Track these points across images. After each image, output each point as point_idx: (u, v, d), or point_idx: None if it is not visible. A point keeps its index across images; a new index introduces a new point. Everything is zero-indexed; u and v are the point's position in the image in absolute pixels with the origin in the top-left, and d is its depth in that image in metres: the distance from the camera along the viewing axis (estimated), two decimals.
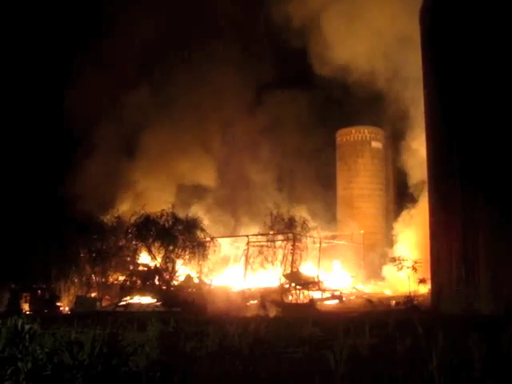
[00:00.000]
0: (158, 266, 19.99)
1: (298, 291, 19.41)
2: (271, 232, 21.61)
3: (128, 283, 19.71)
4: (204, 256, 20.18)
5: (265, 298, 17.52)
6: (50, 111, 28.83)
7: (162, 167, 29.39)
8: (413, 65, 20.21)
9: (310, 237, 21.72)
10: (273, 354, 6.14)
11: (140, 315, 12.72)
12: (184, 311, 15.08)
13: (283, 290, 19.08)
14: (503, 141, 12.88)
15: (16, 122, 28.70)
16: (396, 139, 28.99)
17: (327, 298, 19.73)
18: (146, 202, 21.54)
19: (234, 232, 27.08)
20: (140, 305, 18.34)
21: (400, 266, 17.50)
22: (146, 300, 18.86)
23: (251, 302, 17.66)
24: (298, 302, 18.71)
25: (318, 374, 4.73)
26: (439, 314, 12.93)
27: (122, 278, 20.46)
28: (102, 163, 28.26)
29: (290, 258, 20.43)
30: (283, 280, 19.88)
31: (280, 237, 21.25)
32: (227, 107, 31.25)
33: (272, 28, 30.05)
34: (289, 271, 20.15)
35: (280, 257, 20.68)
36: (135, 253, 20.92)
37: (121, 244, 20.67)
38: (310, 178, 30.90)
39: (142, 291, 19.11)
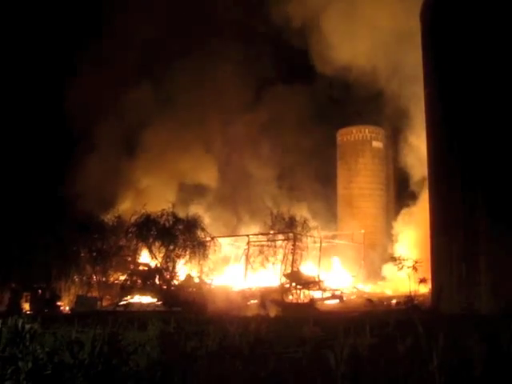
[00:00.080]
0: (158, 265, 19.99)
1: (298, 291, 19.41)
2: (272, 231, 21.62)
3: (128, 283, 19.73)
4: (204, 256, 20.19)
5: (265, 297, 17.53)
6: (51, 110, 28.85)
7: (162, 166, 29.41)
8: (413, 62, 20.23)
9: (311, 236, 21.73)
10: (273, 353, 6.13)
11: (140, 315, 12.73)
12: (184, 311, 15.08)
13: (284, 290, 19.09)
14: (503, 141, 12.88)
15: (16, 121, 28.71)
16: (396, 136, 29.01)
17: (328, 298, 19.73)
18: (146, 201, 21.55)
19: (235, 231, 27.09)
20: (140, 304, 18.36)
21: (400, 265, 17.48)
22: (147, 299, 18.87)
23: (252, 301, 17.67)
24: (299, 301, 18.71)
25: (319, 373, 4.72)
26: (439, 313, 12.92)
27: (122, 278, 20.47)
28: (102, 162, 28.28)
29: (290, 257, 20.43)
30: (284, 280, 19.89)
31: (280, 236, 21.26)
32: (228, 106, 31.29)
33: (272, 28, 30.07)
34: (289, 271, 20.16)
35: (280, 256, 20.69)
36: (136, 252, 20.93)
37: (121, 243, 20.68)
38: (310, 177, 30.96)
39: (143, 291, 19.13)
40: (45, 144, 28.80)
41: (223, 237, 23.87)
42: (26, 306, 17.76)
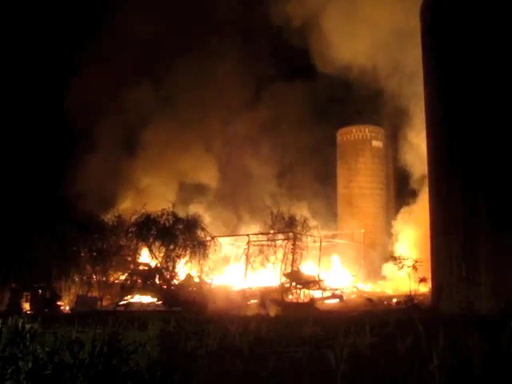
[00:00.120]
0: (158, 265, 19.99)
1: (298, 290, 19.41)
2: (272, 231, 21.62)
3: (129, 282, 19.72)
4: (204, 255, 20.18)
5: (265, 297, 17.53)
6: (51, 110, 28.84)
7: (162, 165, 29.40)
8: (413, 61, 20.25)
9: (311, 236, 21.72)
10: (273, 353, 6.13)
11: (140, 314, 12.73)
12: (184, 310, 15.09)
13: (284, 290, 19.08)
14: (504, 141, 12.88)
15: (17, 120, 28.71)
16: (396, 135, 28.99)
17: (328, 298, 19.73)
18: (146, 200, 21.54)
19: (235, 231, 27.10)
20: (140, 304, 18.36)
21: (401, 265, 17.49)
22: (147, 299, 18.87)
23: (252, 301, 17.67)
24: (299, 301, 18.71)
25: (319, 373, 4.73)
26: (439, 313, 12.94)
27: (122, 278, 20.47)
28: (102, 161, 28.28)
29: (290, 257, 20.43)
30: (284, 279, 19.89)
31: (280, 236, 21.26)
32: (228, 105, 31.31)
33: (272, 27, 30.07)
34: (289, 270, 20.16)
35: (280, 256, 20.69)
36: (136, 252, 20.92)
37: (121, 243, 20.66)
38: (310, 176, 30.97)
39: (143, 290, 19.12)
40: (45, 143, 28.81)
41: (223, 236, 23.87)
42: (26, 306, 17.76)
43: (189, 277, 20.45)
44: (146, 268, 20.58)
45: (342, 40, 27.32)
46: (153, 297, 18.77)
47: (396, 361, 4.90)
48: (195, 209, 23.22)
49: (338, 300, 19.51)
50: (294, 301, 18.64)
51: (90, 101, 28.34)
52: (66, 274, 19.44)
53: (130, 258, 21.01)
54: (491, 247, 12.73)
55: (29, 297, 18.19)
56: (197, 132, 30.13)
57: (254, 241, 22.01)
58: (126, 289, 19.33)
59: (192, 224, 20.33)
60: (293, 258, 20.38)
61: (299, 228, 21.31)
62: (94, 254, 20.06)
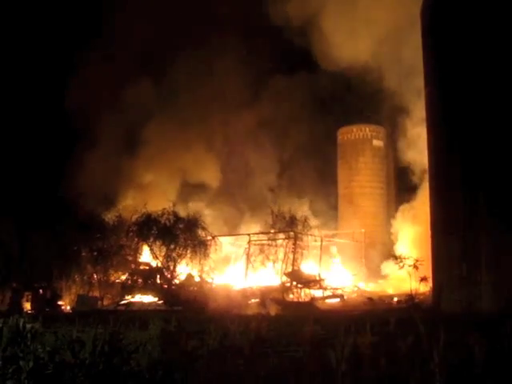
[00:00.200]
0: (159, 264, 20.01)
1: (299, 290, 19.41)
2: (272, 230, 21.61)
3: (129, 282, 19.75)
4: (205, 255, 20.19)
5: (266, 296, 17.54)
6: (52, 108, 28.85)
7: (164, 163, 29.38)
8: (412, 58, 20.25)
9: (311, 235, 21.72)
10: (274, 352, 6.14)
11: (141, 314, 12.74)
12: (185, 310, 15.10)
13: (284, 289, 19.09)
14: (504, 140, 12.87)
15: (17, 119, 28.71)
16: (397, 133, 28.96)
17: (328, 297, 19.73)
18: (148, 199, 21.57)
19: (236, 230, 27.10)
20: (141, 303, 18.37)
21: (401, 264, 17.48)
22: (148, 299, 18.89)
23: (252, 300, 17.67)
24: (299, 300, 18.72)
25: (320, 372, 4.73)
26: (440, 312, 12.93)
27: (123, 277, 20.48)
28: (103, 160, 28.25)
29: (291, 256, 20.43)
30: (284, 278, 19.89)
31: (281, 235, 21.25)
32: (230, 103, 31.27)
33: (272, 27, 30.04)
34: (290, 270, 20.16)
35: (281, 255, 20.68)
36: (136, 251, 20.94)
37: (122, 243, 20.68)
38: (311, 175, 30.93)
39: (144, 290, 19.14)
40: (45, 142, 28.79)
41: (224, 236, 23.88)
42: (27, 306, 17.77)
43: (189, 276, 20.46)
44: (147, 267, 20.61)
45: (342, 39, 27.35)
46: (154, 296, 18.78)
47: (397, 360, 4.90)
48: (196, 207, 23.23)
49: (338, 299, 19.51)
50: (295, 300, 18.64)
51: (91, 99, 28.33)
52: (66, 273, 19.46)
53: (130, 258, 21.03)
54: (491, 247, 12.74)
55: (30, 296, 18.20)
56: (198, 130, 30.14)
57: (255, 240, 22.01)
58: (127, 288, 19.35)
59: (193, 223, 20.35)
60: (293, 258, 20.38)
61: (300, 227, 21.30)
62: (95, 253, 20.08)
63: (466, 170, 13.49)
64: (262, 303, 16.66)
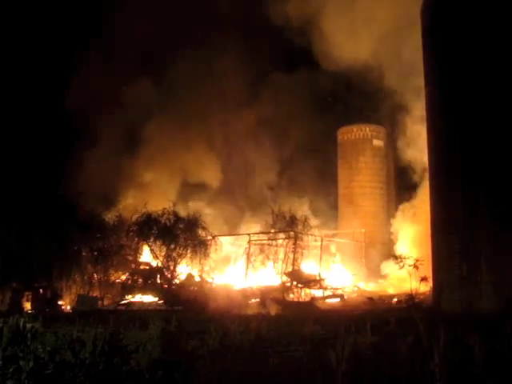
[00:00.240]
0: (159, 264, 20.01)
1: (299, 289, 19.41)
2: (272, 230, 21.62)
3: (129, 282, 19.74)
4: (205, 254, 20.20)
5: (266, 296, 17.54)
6: (52, 107, 28.82)
7: (164, 162, 29.38)
8: (412, 56, 20.26)
9: (312, 235, 21.72)
10: (274, 352, 6.14)
11: (142, 314, 12.76)
12: (185, 310, 15.10)
13: (284, 289, 19.09)
14: (505, 139, 12.87)
15: (17, 117, 28.69)
16: (397, 132, 28.94)
17: (328, 297, 19.73)
18: (148, 198, 21.57)
19: (236, 229, 27.11)
20: (142, 303, 18.37)
21: (402, 264, 17.47)
22: (148, 298, 18.89)
23: (252, 300, 17.67)
24: (300, 300, 18.71)
25: (320, 372, 4.73)
26: (440, 312, 12.93)
27: (123, 277, 20.48)
28: (103, 159, 28.24)
29: (291, 256, 20.43)
30: (284, 278, 19.89)
31: (281, 235, 21.25)
32: (230, 102, 31.26)
33: (272, 27, 30.03)
34: (290, 269, 20.16)
35: (281, 255, 20.68)
36: (137, 251, 20.94)
37: (122, 242, 20.68)
38: (312, 174, 30.92)
39: (144, 290, 19.14)
40: (45, 141, 28.77)
41: (224, 235, 23.88)
42: (28, 306, 17.77)
43: (190, 276, 20.46)
44: (147, 267, 20.61)
45: (342, 38, 27.34)
46: (154, 296, 18.78)
47: (397, 360, 4.91)
48: (196, 206, 23.22)
49: (338, 299, 19.51)
50: (295, 300, 18.64)
51: (91, 99, 28.31)
52: (66, 273, 19.45)
53: (130, 258, 21.03)
54: (492, 246, 12.74)
55: (30, 296, 18.19)
56: (198, 129, 30.14)
57: (255, 240, 22.02)
58: (127, 288, 19.35)
59: (193, 223, 20.35)
60: (294, 257, 20.38)
61: (300, 227, 21.30)
62: (95, 253, 20.07)
63: (466, 170, 13.49)
64: (262, 303, 16.66)
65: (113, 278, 20.48)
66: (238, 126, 31.59)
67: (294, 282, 19.62)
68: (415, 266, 16.91)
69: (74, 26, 30.54)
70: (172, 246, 19.80)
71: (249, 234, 22.27)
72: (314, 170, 31.29)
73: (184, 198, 27.29)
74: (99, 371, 4.38)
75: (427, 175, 16.12)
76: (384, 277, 24.19)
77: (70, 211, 22.54)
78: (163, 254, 19.92)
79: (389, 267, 22.36)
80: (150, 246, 20.25)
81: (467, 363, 4.64)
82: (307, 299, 18.63)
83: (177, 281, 19.89)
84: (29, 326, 5.18)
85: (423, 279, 16.43)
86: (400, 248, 22.67)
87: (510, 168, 12.77)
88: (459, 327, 6.44)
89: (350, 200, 31.41)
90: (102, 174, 27.35)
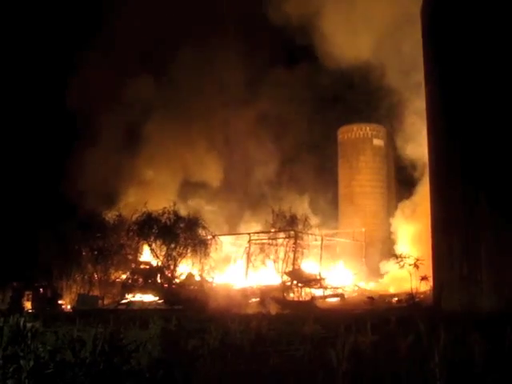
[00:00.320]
0: (159, 263, 20.02)
1: (299, 289, 19.41)
2: (273, 230, 21.62)
3: (130, 281, 19.77)
4: (206, 254, 20.21)
5: (266, 295, 17.54)
6: (52, 105, 28.84)
7: (165, 160, 29.38)
8: (412, 53, 20.23)
9: (312, 234, 21.72)
10: (274, 351, 6.14)
11: (142, 313, 12.77)
12: (186, 309, 15.12)
13: (285, 288, 19.10)
14: (505, 139, 12.86)
15: (18, 116, 28.71)
16: (397, 131, 28.91)
17: (329, 296, 19.74)
18: (148, 197, 21.58)
19: (236, 229, 27.11)
20: (142, 303, 18.39)
21: (402, 263, 17.46)
22: (148, 298, 18.90)
23: (253, 299, 17.68)
24: (300, 299, 18.72)
25: (320, 371, 4.73)
26: (441, 311, 12.93)
27: (123, 276, 20.50)
28: (104, 158, 28.24)
29: (291, 255, 20.43)
30: (285, 278, 19.90)
31: (282, 234, 21.25)
32: (231, 100, 31.25)
33: (273, 27, 30.02)
34: (290, 269, 20.16)
35: (281, 254, 20.69)
36: (137, 251, 20.95)
37: (122, 242, 20.70)
38: (312, 173, 30.90)
39: (144, 289, 19.15)
40: (46, 140, 28.78)
41: (224, 235, 23.88)
42: (28, 305, 17.81)
43: (190, 275, 20.47)
44: (147, 267, 20.63)
45: (342, 37, 27.29)
46: (154, 295, 18.79)
47: (397, 359, 4.91)
48: (196, 205, 23.22)
49: (338, 298, 19.51)
50: (295, 299, 18.65)
51: (91, 98, 28.32)
52: (67, 272, 19.49)
53: (131, 257, 21.06)
54: (492, 246, 12.72)
55: (30, 296, 18.24)
56: (198, 127, 30.14)
57: (255, 239, 22.02)
58: (127, 287, 19.38)
59: (193, 222, 20.35)
60: (294, 257, 20.39)
61: (300, 226, 21.30)
62: (96, 252, 20.10)
63: (466, 169, 13.47)
64: (263, 302, 16.66)
65: (113, 278, 20.51)
66: (239, 124, 31.56)
67: (295, 282, 19.63)
68: (415, 265, 16.92)
69: (74, 27, 30.54)
70: (172, 246, 19.81)
71: (249, 234, 22.27)
72: (314, 169, 31.29)
73: (184, 197, 27.31)
74: (99, 371, 4.38)
75: (427, 171, 16.10)
76: (383, 276, 24.17)
77: (71, 210, 22.57)
78: (163, 253, 19.93)
79: (389, 266, 22.35)
80: (150, 246, 20.25)
81: (467, 363, 4.64)
82: (307, 298, 18.64)
83: (177, 280, 19.90)
84: (29, 325, 5.18)
85: (423, 278, 16.44)
86: (400, 247, 22.65)
87: (510, 167, 12.76)
88: (459, 327, 6.43)
89: (351, 199, 31.40)
90: (102, 173, 27.37)
